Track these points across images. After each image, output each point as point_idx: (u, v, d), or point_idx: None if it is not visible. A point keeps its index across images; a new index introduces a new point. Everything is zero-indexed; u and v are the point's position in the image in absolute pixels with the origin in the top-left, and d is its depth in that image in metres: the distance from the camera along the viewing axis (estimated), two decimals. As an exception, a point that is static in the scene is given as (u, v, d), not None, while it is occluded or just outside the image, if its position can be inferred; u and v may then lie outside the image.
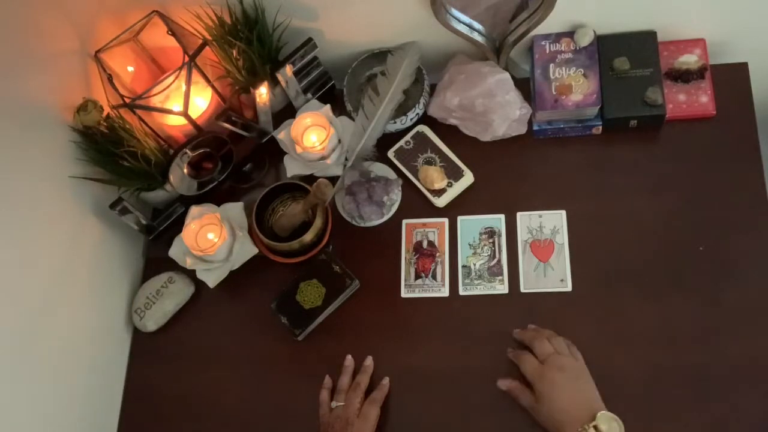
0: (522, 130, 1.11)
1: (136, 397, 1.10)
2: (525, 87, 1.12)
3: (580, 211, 1.06)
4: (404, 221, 1.11)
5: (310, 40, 1.10)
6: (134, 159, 1.05)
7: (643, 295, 0.99)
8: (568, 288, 1.02)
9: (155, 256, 1.18)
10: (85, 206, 1.09)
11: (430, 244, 1.09)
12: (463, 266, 1.06)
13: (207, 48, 1.06)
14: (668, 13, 1.05)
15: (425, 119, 1.15)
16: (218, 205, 1.12)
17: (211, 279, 1.10)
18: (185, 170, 1.12)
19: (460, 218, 1.09)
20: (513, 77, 1.10)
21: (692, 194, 1.03)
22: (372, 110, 1.09)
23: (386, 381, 1.01)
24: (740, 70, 1.09)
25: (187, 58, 1.03)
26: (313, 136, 1.10)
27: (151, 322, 1.11)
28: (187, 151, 1.11)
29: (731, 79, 1.08)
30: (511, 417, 0.94)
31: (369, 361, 1.03)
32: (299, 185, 1.09)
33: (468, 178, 1.10)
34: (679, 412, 0.92)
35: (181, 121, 1.09)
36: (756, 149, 1.04)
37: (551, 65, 1.09)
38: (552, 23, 1.05)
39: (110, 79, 1.04)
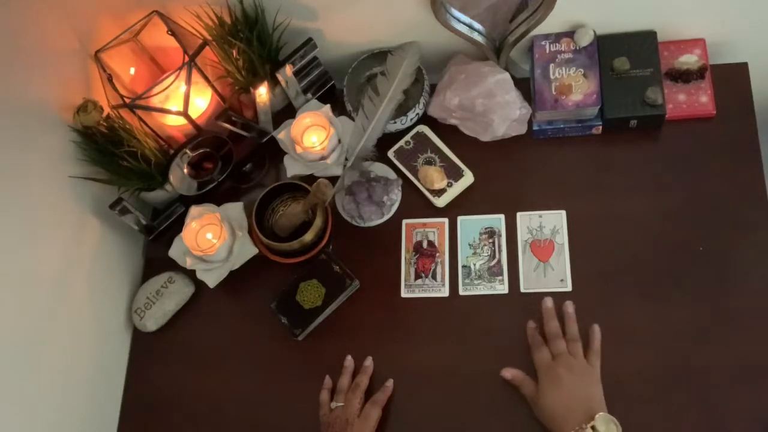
0: (522, 130, 1.11)
1: (136, 397, 1.10)
2: (525, 87, 1.11)
3: (580, 211, 1.06)
4: (404, 221, 1.11)
5: (310, 40, 1.10)
6: (134, 159, 1.05)
7: (643, 295, 0.99)
8: (568, 288, 1.01)
9: (155, 256, 1.18)
10: (85, 206, 1.09)
11: (430, 244, 1.09)
12: (463, 266, 1.06)
13: (207, 48, 1.07)
14: (668, 13, 1.05)
15: (425, 119, 1.15)
16: (218, 205, 1.12)
17: (211, 279, 1.10)
18: (185, 170, 1.12)
19: (460, 218, 1.09)
20: (513, 77, 1.09)
21: (692, 194, 1.03)
22: (372, 110, 1.09)
23: (390, 383, 1.01)
24: (740, 70, 1.09)
25: (187, 58, 1.03)
26: (313, 136, 1.10)
27: (151, 322, 1.11)
28: (187, 151, 1.11)
29: (731, 79, 1.08)
30: (511, 417, 0.94)
31: (369, 362, 1.03)
32: (299, 185, 1.09)
33: (468, 178, 1.10)
34: (679, 412, 0.92)
35: (181, 121, 1.09)
36: (756, 149, 1.04)
37: (551, 65, 1.09)
38: (552, 23, 1.05)
39: (110, 79, 1.04)
